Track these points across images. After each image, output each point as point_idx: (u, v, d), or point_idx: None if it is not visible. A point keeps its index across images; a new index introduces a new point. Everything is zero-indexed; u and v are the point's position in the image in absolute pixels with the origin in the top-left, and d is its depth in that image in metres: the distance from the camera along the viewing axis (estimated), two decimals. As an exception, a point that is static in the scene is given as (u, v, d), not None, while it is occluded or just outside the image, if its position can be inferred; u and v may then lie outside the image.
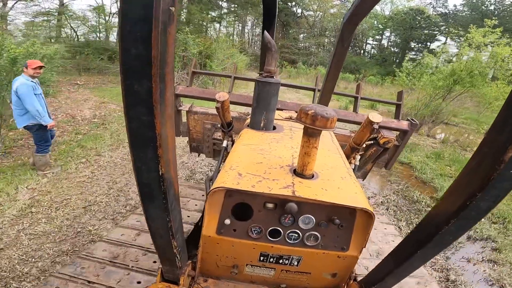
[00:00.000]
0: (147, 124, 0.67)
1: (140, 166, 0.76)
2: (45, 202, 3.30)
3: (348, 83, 16.65)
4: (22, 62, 4.18)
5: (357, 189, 1.23)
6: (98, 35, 14.02)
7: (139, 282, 1.78)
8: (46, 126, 3.67)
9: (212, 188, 1.13)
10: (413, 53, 24.90)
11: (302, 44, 28.06)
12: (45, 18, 11.85)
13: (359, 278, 1.30)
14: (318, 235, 1.18)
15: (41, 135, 3.76)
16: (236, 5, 22.99)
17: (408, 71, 11.14)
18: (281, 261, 1.26)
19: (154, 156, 0.72)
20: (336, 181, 1.25)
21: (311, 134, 1.11)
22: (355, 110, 2.96)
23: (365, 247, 1.20)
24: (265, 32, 1.72)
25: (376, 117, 1.61)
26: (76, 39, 13.00)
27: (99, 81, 10.20)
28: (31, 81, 3.46)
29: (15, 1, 11.05)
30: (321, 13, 26.83)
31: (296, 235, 1.18)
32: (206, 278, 1.37)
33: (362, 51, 29.21)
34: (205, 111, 2.91)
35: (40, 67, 3.51)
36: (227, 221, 1.17)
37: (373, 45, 29.34)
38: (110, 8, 14.29)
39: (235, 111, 2.83)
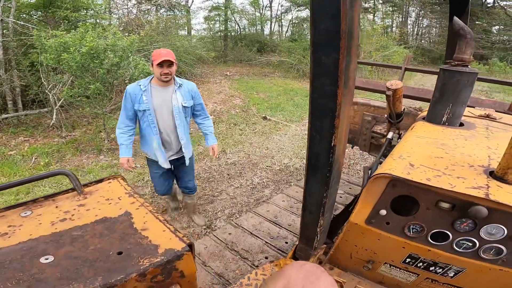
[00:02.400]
0: (330, 94, 0.76)
1: (314, 135, 0.87)
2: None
3: None
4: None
5: None
6: (255, 28, 16.27)
7: None
8: (155, 161, 2.42)
9: (376, 174, 1.11)
10: None
11: (498, 37, 22.53)
12: (217, 12, 14.81)
13: None
14: (504, 249, 1.03)
15: (150, 171, 2.59)
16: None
17: None
18: (432, 268, 1.16)
19: (330, 126, 0.82)
20: None
21: None
22: None
23: None
24: (455, 18, 1.58)
25: None
26: (239, 31, 15.58)
27: (244, 73, 11.58)
28: (140, 86, 2.19)
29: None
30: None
31: (470, 244, 1.06)
32: (332, 267, 1.42)
33: None
34: (367, 102, 2.96)
35: (169, 63, 2.14)
36: (383, 212, 1.14)
37: None
38: (262, 1, 16.18)
39: (404, 105, 2.74)
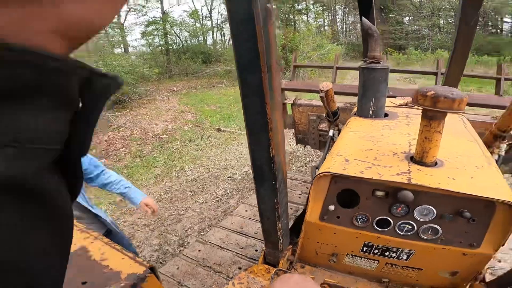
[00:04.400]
0: (260, 110, 0.81)
1: (254, 148, 0.91)
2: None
3: (490, 68, 13.51)
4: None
5: (498, 180, 1.11)
6: (197, 39, 16.09)
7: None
8: None
9: (318, 174, 1.18)
10: None
11: (410, 28, 25.24)
12: (154, 26, 14.34)
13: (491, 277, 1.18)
14: (439, 228, 1.11)
15: None
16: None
17: None
18: (387, 253, 1.25)
19: (266, 139, 0.86)
20: (468, 170, 1.17)
21: (432, 117, 1.06)
22: (498, 93, 2.76)
23: (503, 245, 1.08)
24: (363, 18, 1.71)
25: None
26: (180, 44, 15.23)
27: (192, 86, 11.32)
28: None
29: (126, 12, 13.71)
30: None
31: (410, 227, 1.14)
32: (304, 265, 1.46)
33: (498, 30, 23.99)
34: (310, 103, 3.13)
35: None
36: (331, 207, 1.21)
37: (515, 22, 23.64)
38: (202, 12, 16.16)
39: (341, 101, 2.96)
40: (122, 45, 12.24)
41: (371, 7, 2.34)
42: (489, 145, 1.74)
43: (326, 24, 26.41)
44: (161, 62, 13.61)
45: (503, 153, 1.73)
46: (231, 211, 2.88)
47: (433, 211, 1.09)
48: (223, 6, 17.00)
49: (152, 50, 14.31)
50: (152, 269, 0.80)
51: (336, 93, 3.06)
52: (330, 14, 26.99)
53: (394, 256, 1.24)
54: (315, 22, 24.10)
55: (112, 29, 11.79)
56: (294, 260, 1.45)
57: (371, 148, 1.35)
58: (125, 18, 13.45)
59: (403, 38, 23.67)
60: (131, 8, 14.21)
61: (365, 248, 1.27)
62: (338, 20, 27.67)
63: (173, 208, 3.77)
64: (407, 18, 25.76)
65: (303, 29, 15.91)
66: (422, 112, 1.08)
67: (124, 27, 13.23)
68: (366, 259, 1.31)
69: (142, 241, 3.13)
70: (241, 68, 0.78)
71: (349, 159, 1.25)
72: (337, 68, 3.28)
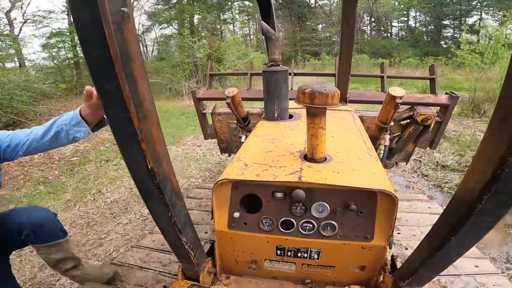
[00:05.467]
0: (125, 120, 0.73)
1: (130, 163, 0.83)
2: None
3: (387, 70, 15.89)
4: None
5: (377, 170, 1.19)
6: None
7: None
8: None
9: (217, 181, 1.17)
10: (448, 30, 25.09)
11: (323, 35, 28.13)
12: (59, 38, 12.75)
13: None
14: (335, 224, 1.14)
15: None
16: (245, 4, 23.72)
17: (469, 48, 10.56)
18: (299, 254, 1.25)
19: (139, 151, 0.79)
20: (352, 162, 1.24)
21: (313, 113, 1.12)
22: (383, 90, 3.07)
23: (392, 235, 1.11)
24: (262, 22, 1.76)
25: (398, 91, 1.62)
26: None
27: (114, 101, 10.47)
28: None
29: (22, 23, 12.03)
30: (336, 0, 26.86)
31: (311, 225, 1.16)
32: (229, 275, 1.41)
33: (389, 34, 28.82)
34: (229, 111, 3.11)
35: None
36: (236, 214, 1.20)
37: (401, 27, 28.92)
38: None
39: (257, 107, 3.05)
40: (16, 59, 10.49)
41: (270, 11, 2.43)
42: (376, 137, 1.93)
43: (251, 33, 27.43)
44: (70, 77, 12.12)
45: (387, 143, 1.92)
46: (152, 229, 2.70)
47: (327, 207, 1.13)
48: (144, 16, 16.18)
49: (58, 64, 12.64)
50: None
51: (251, 99, 3.08)
52: (255, 23, 28.20)
53: (307, 256, 1.26)
54: (241, 32, 24.77)
55: (3, 41, 10.06)
56: (218, 272, 1.39)
57: (271, 150, 1.37)
58: (20, 29, 11.69)
59: (318, 45, 26.33)
60: (28, 19, 12.45)
61: (278, 252, 1.27)
62: (262, 28, 28.98)
63: (92, 232, 3.44)
64: (320, 26, 28.70)
65: (229, 39, 16.26)
66: (306, 110, 1.13)
67: (19, 39, 11.45)
68: (283, 262, 1.30)
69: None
70: (95, 77, 0.70)
71: (248, 163, 1.25)
72: (251, 74, 3.37)
